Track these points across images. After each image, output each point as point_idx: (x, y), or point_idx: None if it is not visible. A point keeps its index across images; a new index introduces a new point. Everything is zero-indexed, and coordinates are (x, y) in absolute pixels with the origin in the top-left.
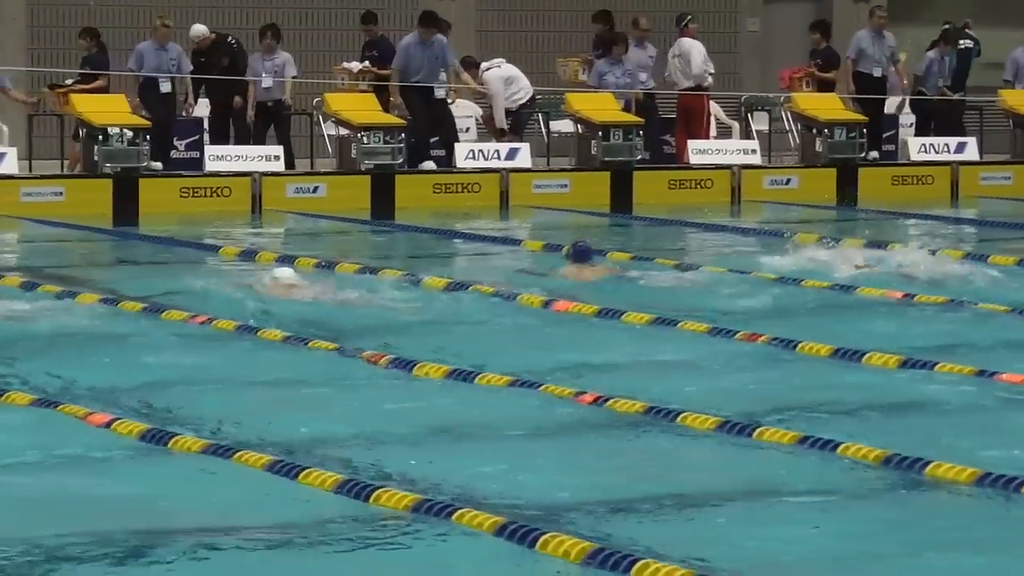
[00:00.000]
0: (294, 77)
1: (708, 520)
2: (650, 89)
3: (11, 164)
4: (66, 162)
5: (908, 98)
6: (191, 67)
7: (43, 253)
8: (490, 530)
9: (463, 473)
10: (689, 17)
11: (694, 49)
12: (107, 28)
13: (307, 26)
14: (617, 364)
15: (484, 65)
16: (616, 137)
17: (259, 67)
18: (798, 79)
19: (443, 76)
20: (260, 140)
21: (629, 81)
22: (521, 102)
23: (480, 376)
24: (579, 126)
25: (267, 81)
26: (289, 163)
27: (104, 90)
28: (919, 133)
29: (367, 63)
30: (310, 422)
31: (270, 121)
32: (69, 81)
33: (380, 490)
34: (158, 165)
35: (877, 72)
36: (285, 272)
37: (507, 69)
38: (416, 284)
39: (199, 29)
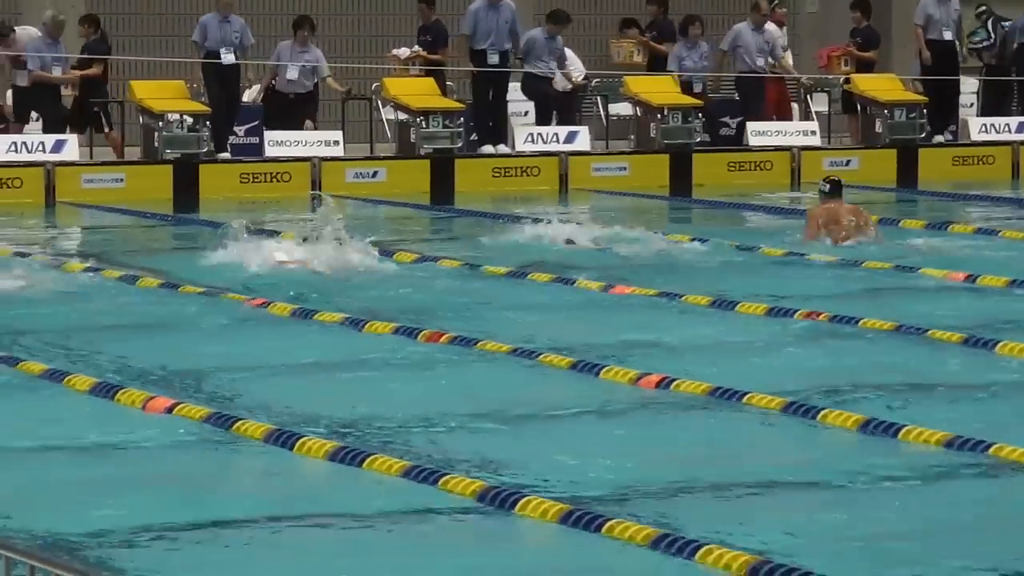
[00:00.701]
0: (324, 76)
1: (773, 504)
2: (762, 73)
3: (72, 151)
4: (128, 148)
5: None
6: (252, 40)
7: (104, 239)
8: (555, 517)
9: (526, 458)
10: (777, 1)
11: (778, 33)
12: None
13: (362, 11)
14: (679, 346)
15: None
16: (675, 119)
17: (287, 56)
18: (836, 58)
19: (508, 45)
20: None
21: (705, 64)
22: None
23: (542, 358)
24: (637, 109)
25: (292, 72)
26: None
27: (100, 77)
28: (989, 112)
29: (417, 48)
30: (372, 406)
31: (291, 113)
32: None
33: (446, 476)
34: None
35: (948, 35)
36: (283, 248)
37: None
38: (476, 268)
39: None
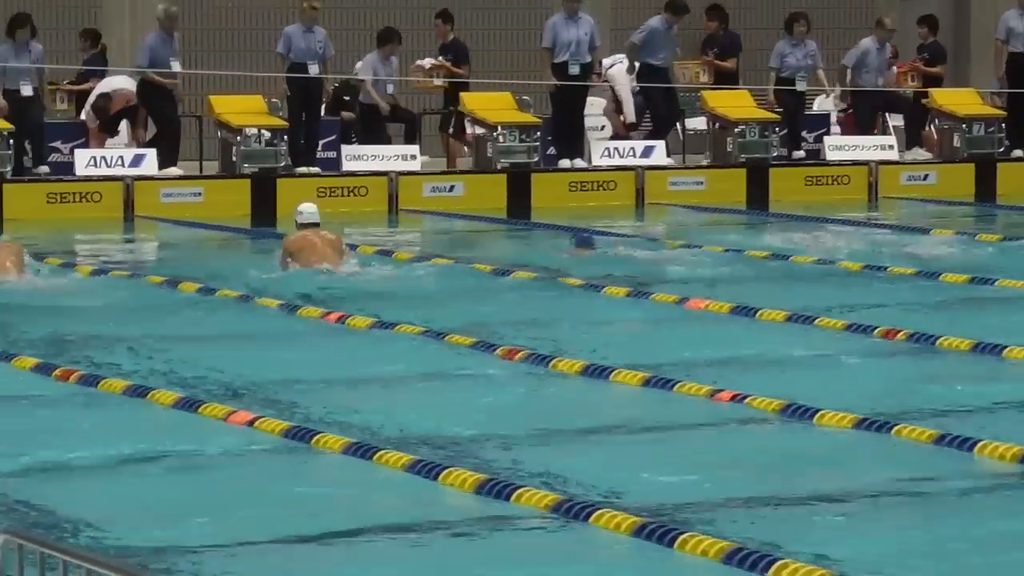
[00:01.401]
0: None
1: (846, 519)
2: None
3: (151, 165)
4: (205, 163)
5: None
6: (333, 52)
7: (182, 253)
8: (629, 530)
9: (600, 472)
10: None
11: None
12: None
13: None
14: (753, 361)
15: (606, 62)
16: (752, 134)
17: (377, 70)
18: (903, 74)
19: (588, 58)
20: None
21: (811, 63)
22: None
23: (615, 373)
24: (714, 123)
25: (391, 86)
26: None
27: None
28: None
29: (440, 58)
30: (448, 419)
31: (378, 127)
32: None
33: (520, 490)
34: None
35: None
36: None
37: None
38: (551, 282)
39: None
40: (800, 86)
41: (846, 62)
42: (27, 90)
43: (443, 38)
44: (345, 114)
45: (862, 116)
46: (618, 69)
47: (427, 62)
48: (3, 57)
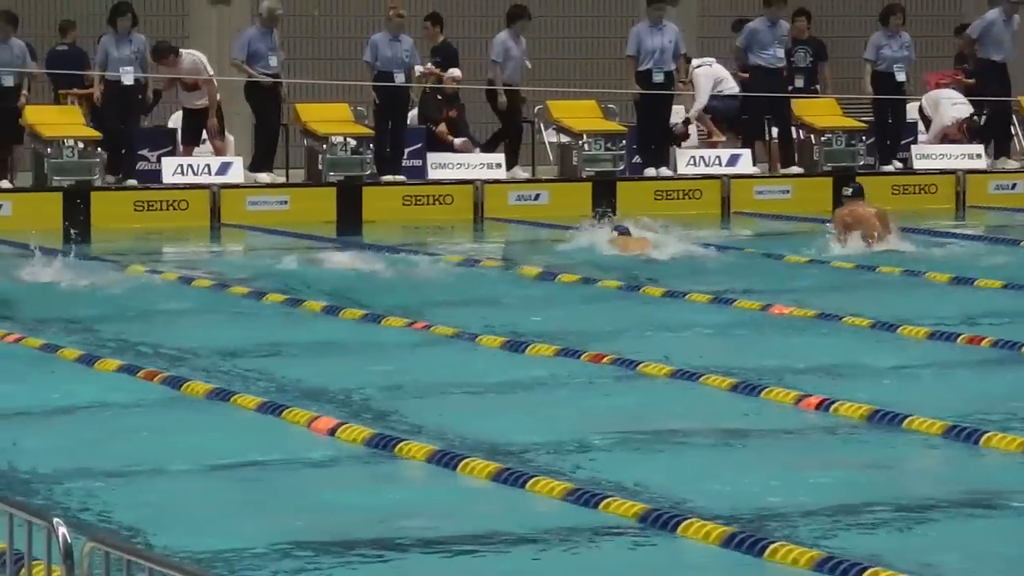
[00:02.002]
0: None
1: (935, 528)
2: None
3: (237, 173)
4: (291, 171)
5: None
6: (418, 61)
7: (268, 262)
8: (717, 540)
9: (688, 480)
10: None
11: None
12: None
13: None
14: (839, 368)
15: (695, 62)
16: (839, 142)
17: (513, 48)
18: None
19: (672, 66)
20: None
21: (907, 54)
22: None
23: (702, 379)
24: (800, 131)
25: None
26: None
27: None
28: None
29: (430, 65)
30: (534, 427)
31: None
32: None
33: (608, 499)
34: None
35: None
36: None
37: (717, 69)
38: (635, 289)
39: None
40: (899, 76)
41: (971, 32)
42: (128, 79)
43: (432, 41)
44: (443, 133)
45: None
46: (703, 71)
47: (416, 69)
48: (105, 47)
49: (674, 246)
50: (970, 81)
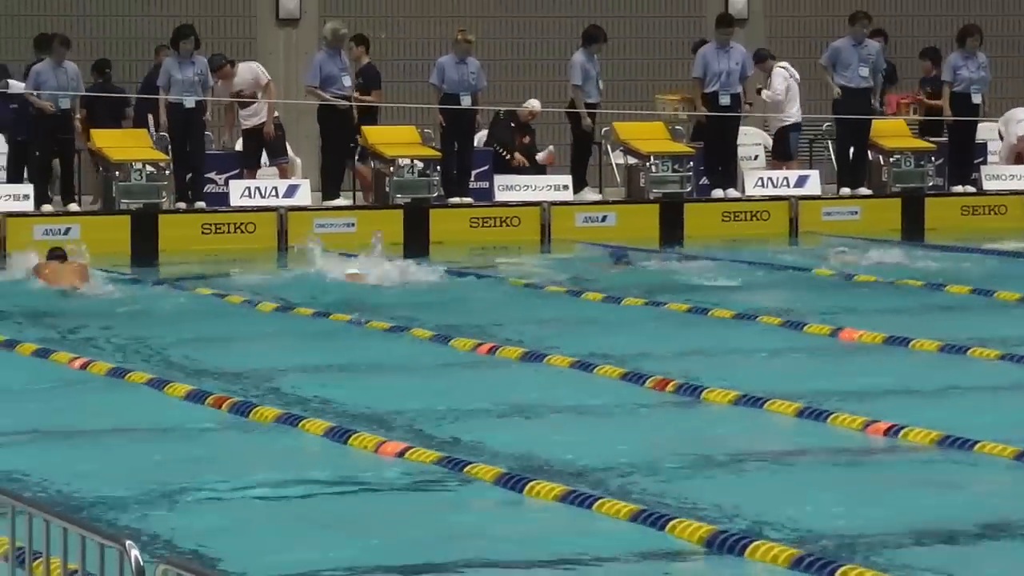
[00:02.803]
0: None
1: (1006, 553)
2: None
3: (304, 195)
4: (358, 193)
5: None
6: (485, 84)
7: (335, 284)
8: (786, 563)
9: (754, 503)
10: None
11: None
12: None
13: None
14: (908, 392)
15: (781, 64)
16: (907, 163)
17: (591, 69)
18: (905, 105)
19: (739, 88)
20: None
21: (984, 75)
22: (788, 122)
23: (768, 403)
24: (869, 152)
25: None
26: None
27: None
28: None
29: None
30: (600, 450)
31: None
32: None
33: (674, 520)
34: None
35: None
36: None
37: (792, 85)
38: (703, 312)
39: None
40: (976, 98)
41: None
42: (189, 102)
43: (357, 62)
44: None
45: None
46: (783, 72)
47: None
48: (168, 69)
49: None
50: (934, 101)
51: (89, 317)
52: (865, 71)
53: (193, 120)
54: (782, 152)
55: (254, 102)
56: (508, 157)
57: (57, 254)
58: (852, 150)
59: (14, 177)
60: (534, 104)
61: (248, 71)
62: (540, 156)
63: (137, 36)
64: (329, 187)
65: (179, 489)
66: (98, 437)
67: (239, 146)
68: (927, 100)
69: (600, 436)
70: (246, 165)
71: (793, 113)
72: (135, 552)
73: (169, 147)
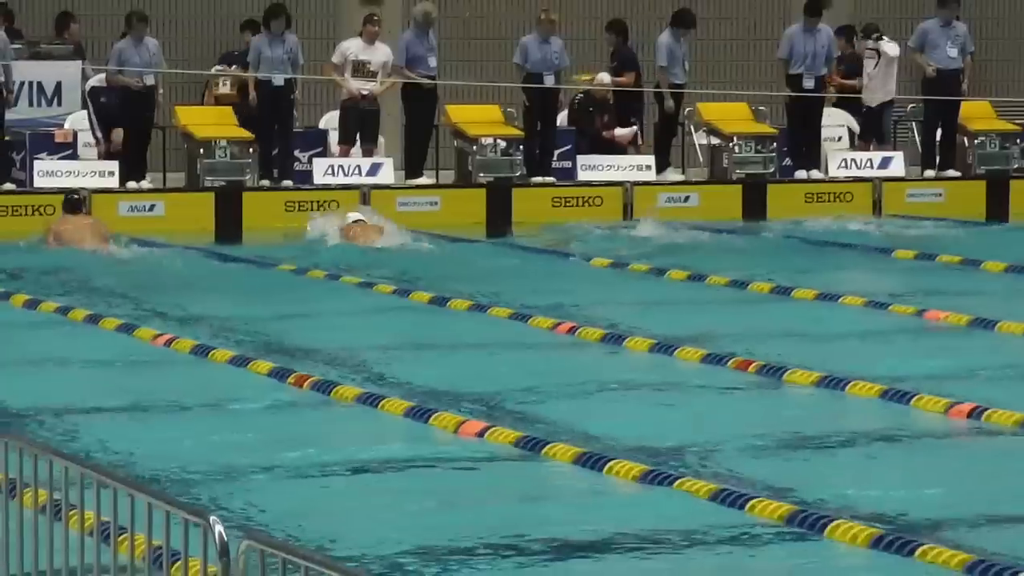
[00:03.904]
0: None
1: None
2: None
3: (388, 174)
4: (443, 172)
5: None
6: (568, 62)
7: (417, 263)
8: (865, 542)
9: (835, 483)
10: None
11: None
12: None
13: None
14: (991, 375)
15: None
16: (992, 145)
17: (676, 51)
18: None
19: (824, 71)
20: None
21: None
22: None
23: (851, 385)
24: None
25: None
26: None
27: None
28: None
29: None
30: (680, 430)
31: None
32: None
33: (755, 500)
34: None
35: None
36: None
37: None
38: (786, 293)
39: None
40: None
41: None
42: (278, 81)
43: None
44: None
45: None
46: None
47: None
48: (258, 47)
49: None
50: (848, 80)
51: (172, 294)
52: (954, 52)
53: (281, 98)
54: (870, 133)
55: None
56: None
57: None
58: (940, 132)
59: (135, 163)
60: (603, 77)
61: (342, 50)
62: (620, 132)
63: (227, 15)
64: (412, 166)
65: (261, 466)
66: (181, 414)
67: (323, 123)
68: (840, 79)
69: (680, 416)
70: (344, 140)
71: (881, 93)
72: (219, 528)
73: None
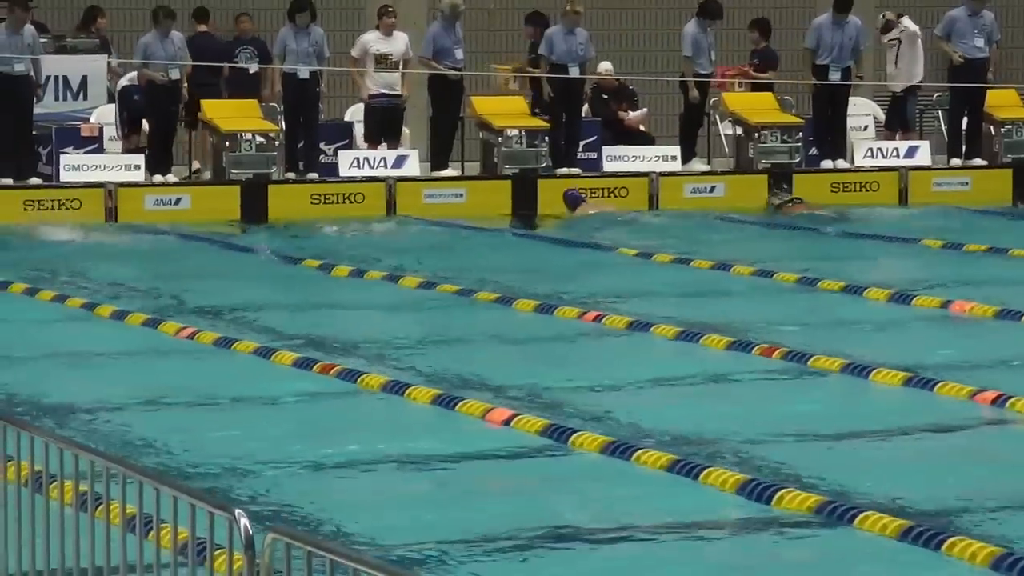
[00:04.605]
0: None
1: None
2: None
3: (413, 166)
4: (467, 164)
5: None
6: (593, 54)
7: (443, 254)
8: (894, 533)
9: (861, 473)
10: None
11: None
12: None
13: None
14: (1017, 363)
15: (891, 39)
16: (1019, 134)
17: (702, 41)
18: (731, 77)
19: (850, 62)
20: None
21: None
22: (898, 90)
23: (875, 373)
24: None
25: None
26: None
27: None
28: None
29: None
30: (707, 420)
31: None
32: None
33: (782, 491)
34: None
35: None
36: None
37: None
38: (812, 284)
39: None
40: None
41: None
42: (303, 73)
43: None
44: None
45: None
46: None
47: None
48: (283, 40)
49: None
50: (761, 75)
51: (195, 287)
52: (980, 41)
53: (307, 91)
54: (896, 121)
55: (383, 70)
56: (620, 122)
57: None
58: (966, 121)
59: (161, 157)
60: (604, 67)
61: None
62: (633, 115)
63: (244, 8)
64: (438, 158)
65: (286, 458)
66: (206, 406)
67: (348, 116)
68: (753, 72)
69: (706, 405)
70: (368, 139)
71: (905, 78)
72: (245, 521)
73: (281, 117)
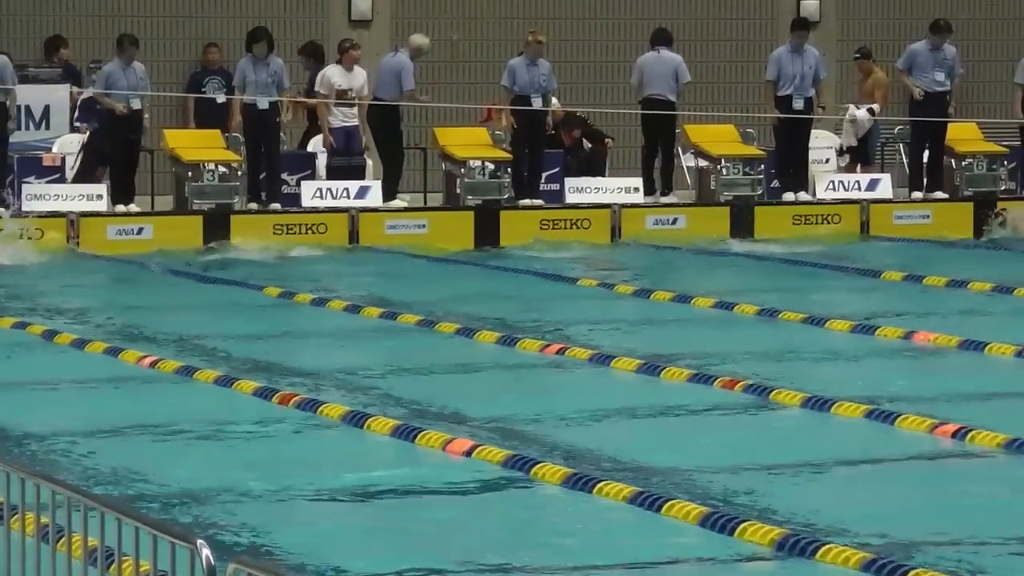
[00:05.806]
0: None
1: None
2: None
3: (375, 197)
4: (430, 195)
5: None
6: (556, 85)
7: (404, 285)
8: (856, 565)
9: (822, 505)
10: None
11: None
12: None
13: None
14: (977, 396)
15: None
16: (980, 167)
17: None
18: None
19: (812, 92)
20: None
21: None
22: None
23: (836, 406)
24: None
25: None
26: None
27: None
28: None
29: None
30: (669, 452)
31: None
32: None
33: (744, 523)
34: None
35: None
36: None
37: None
38: (772, 315)
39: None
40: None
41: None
42: (263, 104)
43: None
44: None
45: None
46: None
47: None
48: (243, 70)
49: None
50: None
51: (156, 316)
52: (941, 75)
53: (267, 121)
54: (857, 153)
55: (344, 103)
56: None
57: None
58: (927, 154)
59: (122, 187)
60: (555, 104)
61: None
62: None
63: (211, 38)
64: (390, 189)
65: (246, 488)
66: (166, 435)
67: (311, 147)
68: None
69: (669, 437)
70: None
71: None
72: (207, 551)
73: (243, 148)
